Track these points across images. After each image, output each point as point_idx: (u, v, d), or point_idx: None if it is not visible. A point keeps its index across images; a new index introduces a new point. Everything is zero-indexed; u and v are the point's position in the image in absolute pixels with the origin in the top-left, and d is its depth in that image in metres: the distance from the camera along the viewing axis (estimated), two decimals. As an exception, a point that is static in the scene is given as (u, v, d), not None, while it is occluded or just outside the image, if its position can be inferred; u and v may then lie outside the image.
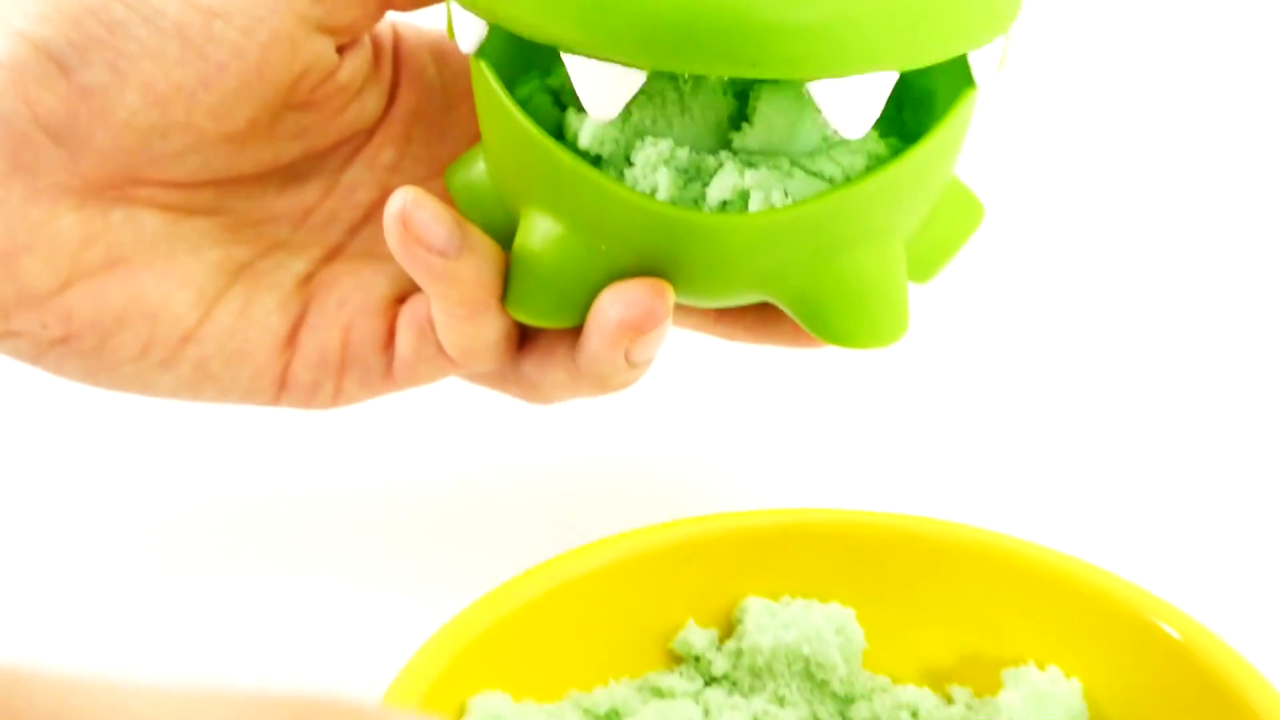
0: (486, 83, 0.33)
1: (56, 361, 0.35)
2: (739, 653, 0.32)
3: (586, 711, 0.31)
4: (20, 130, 0.32)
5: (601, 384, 0.35)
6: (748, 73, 0.30)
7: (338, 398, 0.37)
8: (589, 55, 0.31)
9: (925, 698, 0.32)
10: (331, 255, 0.37)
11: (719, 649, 0.33)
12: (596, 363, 0.34)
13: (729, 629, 0.33)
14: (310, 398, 0.37)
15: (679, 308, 0.36)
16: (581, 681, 0.32)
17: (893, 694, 0.32)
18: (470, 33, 0.33)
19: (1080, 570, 0.32)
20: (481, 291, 0.34)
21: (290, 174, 0.37)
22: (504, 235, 0.34)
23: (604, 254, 0.33)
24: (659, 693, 0.32)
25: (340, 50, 0.35)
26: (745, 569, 0.33)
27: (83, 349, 0.35)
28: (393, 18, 0.37)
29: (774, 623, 0.32)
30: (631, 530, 0.33)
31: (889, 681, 0.33)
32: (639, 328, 0.33)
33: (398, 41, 0.37)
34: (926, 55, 0.31)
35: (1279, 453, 0.44)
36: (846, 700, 0.33)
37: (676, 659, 0.33)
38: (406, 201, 0.33)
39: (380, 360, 0.37)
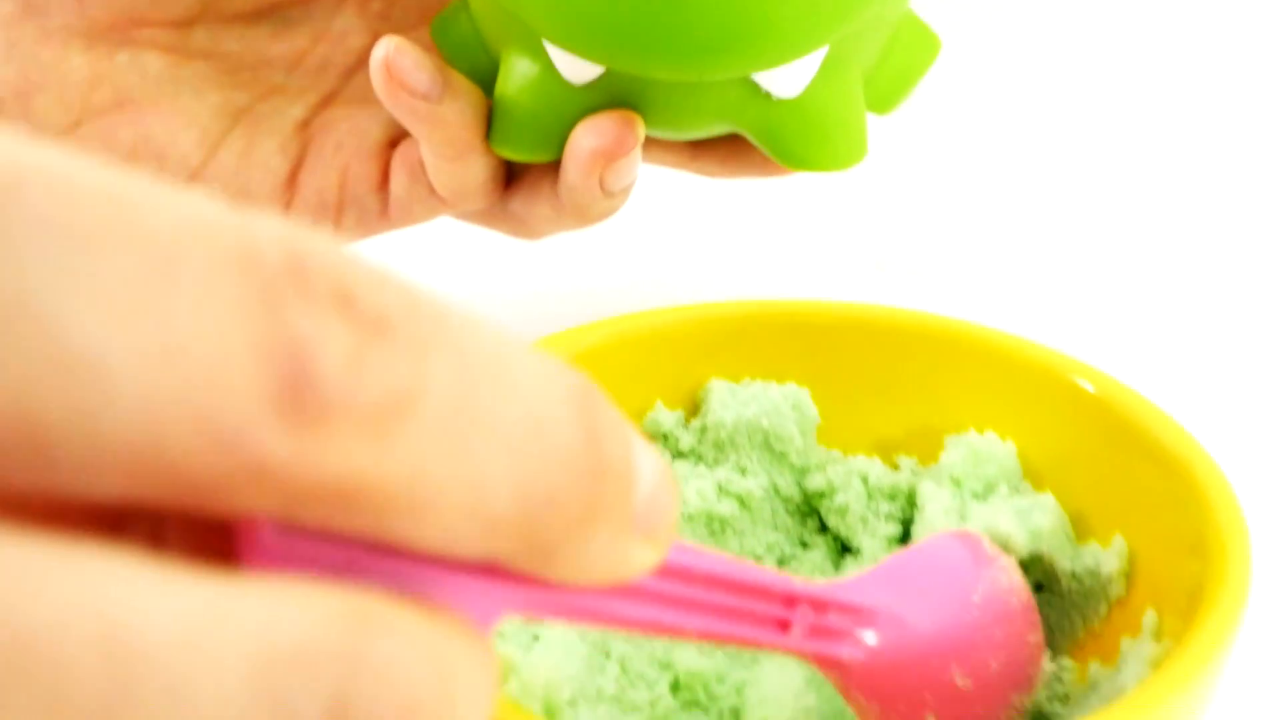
0: None
1: None
2: (704, 429, 0.35)
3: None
4: None
5: (582, 214, 0.37)
6: (695, 77, 0.33)
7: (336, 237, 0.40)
8: (556, 45, 0.34)
9: (874, 466, 0.35)
10: (327, 101, 0.39)
11: (685, 427, 0.36)
12: (575, 192, 0.36)
13: (694, 409, 0.36)
14: None
15: (655, 145, 0.38)
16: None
17: (845, 464, 0.35)
18: None
19: (1011, 343, 0.34)
20: (465, 132, 0.36)
21: (282, 20, 0.39)
22: (488, 81, 0.37)
23: (578, 91, 0.35)
24: (631, 466, 0.35)
25: None
26: (709, 355, 0.36)
27: None
28: None
29: (735, 401, 0.35)
30: (603, 320, 0.35)
31: (841, 454, 0.36)
32: (610, 155, 0.35)
33: None
34: (859, 18, 0.33)
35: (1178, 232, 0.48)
36: (802, 471, 0.36)
37: (647, 437, 0.36)
38: (389, 49, 0.35)
39: (376, 201, 0.39)
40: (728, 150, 0.39)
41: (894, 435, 0.36)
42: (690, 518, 0.34)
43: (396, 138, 0.39)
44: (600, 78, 0.35)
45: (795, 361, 0.36)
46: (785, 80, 0.34)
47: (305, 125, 0.39)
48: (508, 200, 0.39)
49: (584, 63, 0.34)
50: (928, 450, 0.35)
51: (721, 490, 0.35)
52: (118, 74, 0.37)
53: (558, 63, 0.34)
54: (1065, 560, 0.32)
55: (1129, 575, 0.31)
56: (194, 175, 0.38)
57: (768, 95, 0.34)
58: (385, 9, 0.39)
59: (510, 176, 0.39)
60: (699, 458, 0.35)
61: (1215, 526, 0.29)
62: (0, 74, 0.35)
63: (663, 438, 0.36)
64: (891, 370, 0.36)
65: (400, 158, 0.38)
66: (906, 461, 0.36)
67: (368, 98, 0.39)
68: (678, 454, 0.35)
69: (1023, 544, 0.32)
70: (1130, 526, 0.31)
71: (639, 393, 0.36)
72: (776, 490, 0.35)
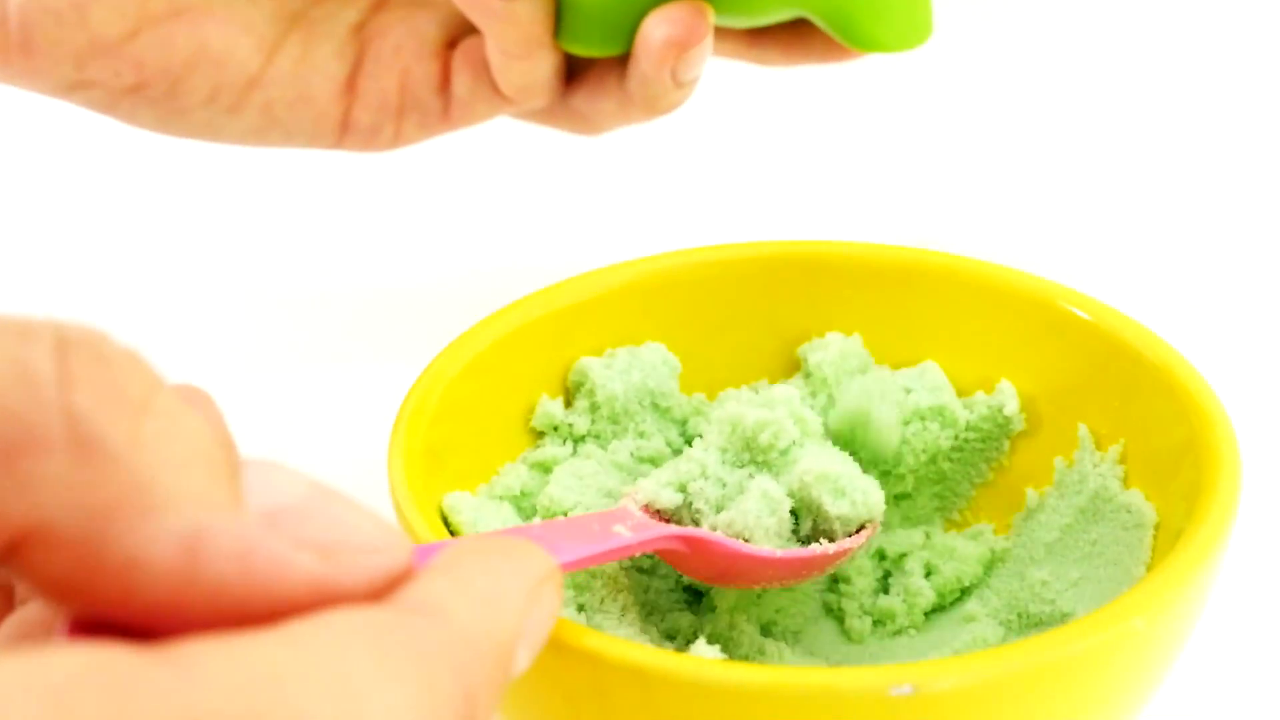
0: None
1: (130, 109, 0.37)
2: (594, 407, 0.35)
3: (501, 498, 0.33)
4: None
5: (651, 106, 0.39)
6: None
7: (397, 139, 0.40)
8: None
9: (740, 396, 0.37)
10: (380, 4, 0.40)
11: (570, 410, 0.35)
12: (646, 84, 0.38)
13: (569, 393, 0.36)
14: (371, 140, 0.40)
15: (717, 34, 0.39)
16: (470, 477, 0.34)
17: (717, 402, 0.37)
18: None
19: (851, 249, 0.37)
20: (537, 28, 0.37)
21: None
22: None
23: None
24: (544, 466, 0.34)
25: None
26: (570, 336, 0.36)
27: (154, 96, 0.37)
28: None
29: (614, 372, 0.35)
30: (469, 330, 0.34)
31: (704, 397, 0.37)
32: (683, 44, 0.36)
33: None
34: None
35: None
36: (683, 421, 0.37)
37: (539, 434, 0.35)
38: None
39: (437, 101, 0.40)
40: (789, 37, 0.40)
41: (749, 368, 0.37)
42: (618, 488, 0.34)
43: (455, 38, 0.40)
44: None
45: (645, 320, 0.37)
46: None
47: (361, 28, 0.39)
48: (570, 97, 0.40)
49: None
50: (777, 368, 0.38)
51: (638, 458, 0.35)
52: None
53: None
54: (963, 412, 0.36)
55: (1027, 410, 0.35)
56: (252, 82, 0.38)
57: None
58: None
59: (572, 73, 0.40)
60: (597, 437, 0.35)
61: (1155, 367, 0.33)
62: None
63: (553, 429, 0.35)
64: (739, 305, 0.37)
65: (462, 58, 0.39)
66: (761, 384, 0.37)
67: (420, 0, 0.40)
68: (578, 439, 0.35)
69: (927, 397, 0.35)
70: (1019, 373, 0.35)
71: (524, 389, 0.35)
72: (669, 445, 0.36)
